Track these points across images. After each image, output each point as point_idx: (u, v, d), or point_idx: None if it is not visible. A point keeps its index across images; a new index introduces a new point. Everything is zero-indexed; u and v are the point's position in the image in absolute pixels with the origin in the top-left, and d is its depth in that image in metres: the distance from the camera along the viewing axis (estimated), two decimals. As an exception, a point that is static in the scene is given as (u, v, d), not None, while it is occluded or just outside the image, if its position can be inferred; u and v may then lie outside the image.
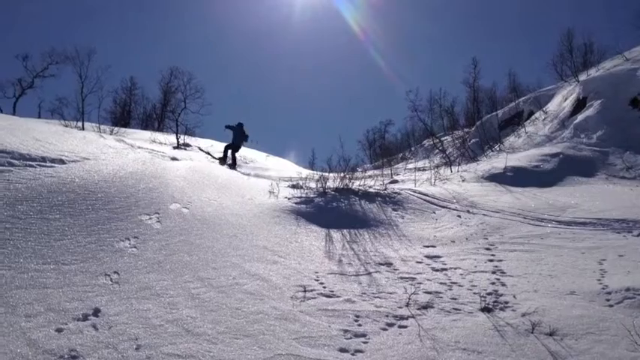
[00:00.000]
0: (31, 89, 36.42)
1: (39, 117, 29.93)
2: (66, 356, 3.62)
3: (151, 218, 6.66)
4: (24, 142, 7.70)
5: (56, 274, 4.77)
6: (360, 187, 11.02)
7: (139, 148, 12.40)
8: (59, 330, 3.93)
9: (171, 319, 4.43)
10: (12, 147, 7.18)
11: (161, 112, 42.60)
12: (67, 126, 17.91)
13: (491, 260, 7.23)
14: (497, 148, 23.43)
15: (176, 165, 10.35)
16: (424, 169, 22.22)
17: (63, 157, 7.62)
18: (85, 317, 4.21)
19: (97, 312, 4.32)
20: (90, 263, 5.12)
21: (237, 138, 16.76)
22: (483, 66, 71.60)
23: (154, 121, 42.82)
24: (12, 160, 6.80)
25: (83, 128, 20.87)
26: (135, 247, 5.77)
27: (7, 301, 4.15)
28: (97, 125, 23.51)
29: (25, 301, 4.21)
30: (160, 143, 19.51)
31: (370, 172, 20.59)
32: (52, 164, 7.23)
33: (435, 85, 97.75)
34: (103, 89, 41.16)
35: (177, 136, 24.63)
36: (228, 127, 17.09)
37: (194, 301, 4.88)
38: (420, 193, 11.43)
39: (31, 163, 6.99)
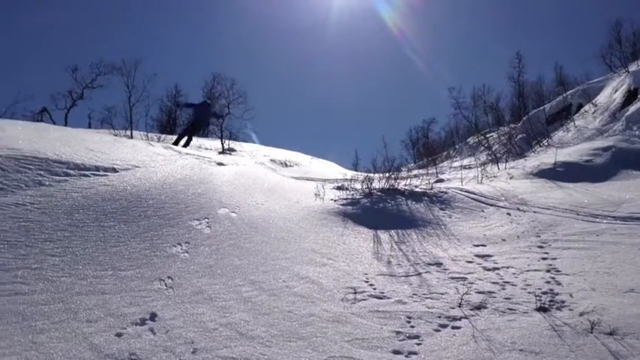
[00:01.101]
0: (81, 100, 37.59)
1: (89, 127, 30.92)
2: (126, 360, 3.73)
3: (200, 223, 6.79)
4: (78, 153, 7.95)
5: (114, 279, 4.92)
6: (405, 187, 10.95)
7: (187, 154, 12.63)
8: (119, 334, 4.05)
9: (225, 323, 4.50)
10: (67, 157, 7.43)
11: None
12: (116, 135, 18.42)
13: (544, 258, 7.07)
14: (546, 144, 22.86)
15: (222, 170, 10.49)
16: (470, 167, 21.91)
17: (115, 166, 7.83)
18: (143, 322, 4.32)
19: (153, 316, 4.43)
20: (145, 269, 5.26)
21: (200, 114, 14.81)
22: (528, 60, 69.70)
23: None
24: (68, 170, 7.03)
25: (132, 137, 21.42)
26: (187, 252, 5.89)
27: (68, 307, 4.30)
28: (145, 133, 24.10)
29: (86, 307, 4.35)
30: (206, 149, 19.84)
31: (415, 172, 20.43)
32: (105, 173, 7.45)
33: (478, 81, 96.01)
34: (150, 97, 42.44)
35: (222, 141, 25.02)
36: (186, 105, 15.46)
37: (246, 304, 4.95)
38: (467, 191, 11.27)
39: (85, 172, 7.22)
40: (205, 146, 20.95)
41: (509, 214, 9.67)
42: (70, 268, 4.90)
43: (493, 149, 26.88)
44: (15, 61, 63.80)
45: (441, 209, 9.81)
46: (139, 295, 4.74)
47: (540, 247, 7.63)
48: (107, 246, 5.54)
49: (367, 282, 6.02)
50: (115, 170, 7.66)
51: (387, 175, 11.77)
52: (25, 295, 4.32)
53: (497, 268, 6.70)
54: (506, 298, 5.58)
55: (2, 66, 61.10)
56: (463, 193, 11.07)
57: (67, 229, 5.59)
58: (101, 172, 7.43)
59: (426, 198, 10.37)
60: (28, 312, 4.11)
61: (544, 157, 17.01)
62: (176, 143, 14.40)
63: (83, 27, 76.18)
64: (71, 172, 7.05)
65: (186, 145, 14.64)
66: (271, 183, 10.56)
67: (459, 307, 5.28)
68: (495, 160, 21.13)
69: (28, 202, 5.89)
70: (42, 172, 6.73)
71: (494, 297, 5.63)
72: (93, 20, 78.02)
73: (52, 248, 5.16)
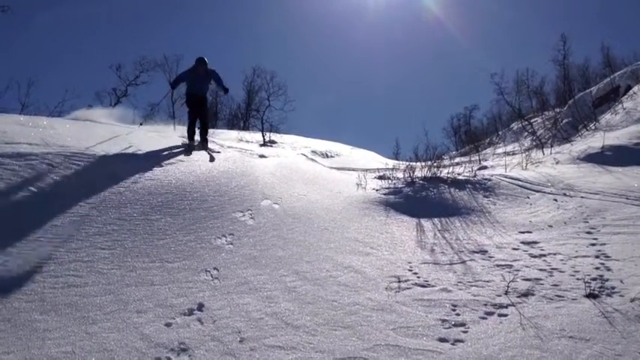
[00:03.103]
0: (125, 97, 38.52)
1: (133, 123, 31.59)
2: (176, 349, 3.81)
3: (244, 215, 6.87)
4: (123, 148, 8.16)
5: (161, 271, 5.04)
6: (448, 175, 10.80)
7: (229, 147, 12.80)
8: (168, 324, 4.14)
9: (270, 313, 4.54)
10: (113, 153, 7.63)
11: (246, 112, 43.72)
12: (159, 131, 18.75)
13: (593, 244, 6.87)
14: (593, 127, 22.15)
15: (264, 162, 10.58)
16: (514, 154, 21.46)
17: (159, 161, 8.00)
18: (191, 312, 4.41)
19: (201, 307, 4.51)
20: (191, 260, 5.36)
21: (197, 82, 9.98)
22: (573, 41, 67.59)
23: (239, 121, 43.99)
24: (114, 166, 7.22)
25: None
26: (231, 244, 5.97)
27: (119, 298, 4.43)
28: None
29: (136, 298, 4.47)
30: (247, 142, 20.04)
31: (457, 160, 20.16)
32: (151, 168, 7.61)
33: (522, 65, 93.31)
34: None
35: (262, 133, 25.25)
36: (177, 79, 10.33)
37: (291, 294, 4.99)
38: (511, 178, 11.04)
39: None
40: (246, 139, 21.15)
41: (555, 199, 9.43)
42: (119, 261, 5.04)
43: (538, 134, 26.26)
44: (62, 61, 65.84)
45: (485, 196, 9.64)
46: (186, 287, 4.84)
47: (589, 232, 7.41)
48: (154, 239, 5.67)
49: (411, 270, 5.98)
50: (159, 165, 7.82)
51: (429, 163, 11.65)
52: (78, 287, 4.47)
53: (544, 255, 6.55)
54: (554, 285, 5.45)
55: (50, 66, 63.13)
56: (507, 179, 10.85)
57: (116, 223, 5.75)
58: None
59: (469, 185, 10.21)
60: (81, 303, 4.26)
61: (591, 141, 16.51)
62: (190, 137, 10.44)
63: (125, 25, 77.77)
64: (118, 167, 7.24)
65: (203, 135, 10.59)
66: (313, 174, 10.59)
67: (506, 294, 5.19)
68: (540, 146, 20.64)
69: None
70: (90, 169, 6.93)
71: (542, 284, 5.50)
72: (134, 18, 79.58)
73: (102, 242, 5.32)
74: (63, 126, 9.23)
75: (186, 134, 10.83)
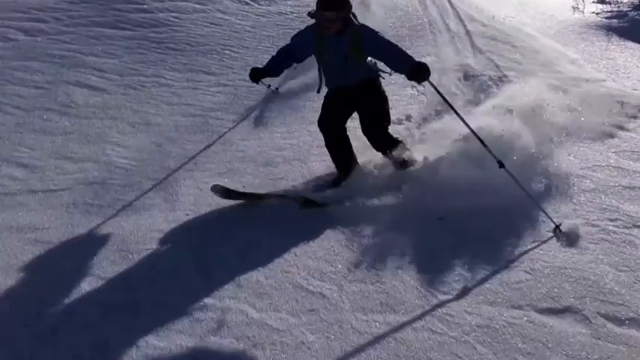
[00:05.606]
0: None
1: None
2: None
3: (449, 33, 6.68)
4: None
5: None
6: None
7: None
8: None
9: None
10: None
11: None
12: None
13: None
14: None
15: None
16: None
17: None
18: (400, 122, 4.57)
19: (409, 117, 4.67)
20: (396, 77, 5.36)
21: (335, 62, 3.48)
22: None
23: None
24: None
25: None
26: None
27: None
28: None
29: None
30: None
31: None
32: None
33: None
34: None
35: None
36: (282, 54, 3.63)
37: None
38: None
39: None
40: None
41: None
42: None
43: None
44: None
45: None
46: (394, 99, 4.88)
47: None
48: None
49: (638, 98, 5.33)
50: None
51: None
52: (295, 93, 4.86)
53: None
54: None
55: None
56: None
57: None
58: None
59: None
60: (300, 106, 4.63)
61: None
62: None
63: None
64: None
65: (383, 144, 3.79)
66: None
67: None
68: None
69: (289, 11, 6.34)
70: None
71: None
72: None
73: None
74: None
75: None
